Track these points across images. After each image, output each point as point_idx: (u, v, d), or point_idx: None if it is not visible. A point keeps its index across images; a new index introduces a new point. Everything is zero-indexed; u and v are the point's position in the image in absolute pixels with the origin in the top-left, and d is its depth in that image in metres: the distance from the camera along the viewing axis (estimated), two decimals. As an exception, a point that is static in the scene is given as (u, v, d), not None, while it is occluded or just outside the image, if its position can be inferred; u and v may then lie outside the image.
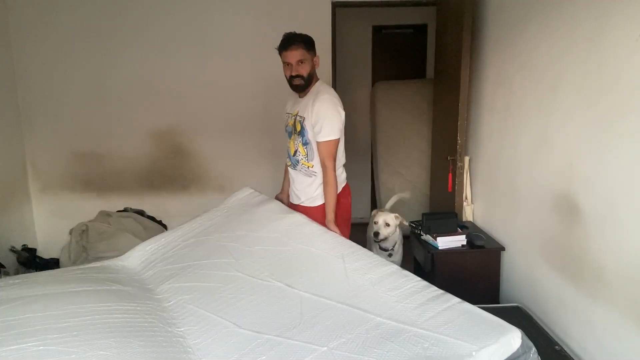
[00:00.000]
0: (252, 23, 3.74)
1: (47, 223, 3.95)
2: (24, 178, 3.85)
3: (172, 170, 3.97)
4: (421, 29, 5.14)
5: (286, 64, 2.41)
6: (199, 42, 3.76)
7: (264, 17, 3.73)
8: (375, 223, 2.82)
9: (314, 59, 2.43)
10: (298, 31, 3.88)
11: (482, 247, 2.73)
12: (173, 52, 3.77)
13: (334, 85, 3.88)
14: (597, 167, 1.90)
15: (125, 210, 3.90)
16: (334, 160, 2.39)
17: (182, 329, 1.69)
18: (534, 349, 1.37)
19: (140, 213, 3.90)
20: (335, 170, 2.41)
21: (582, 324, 2.03)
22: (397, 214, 2.85)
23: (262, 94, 3.86)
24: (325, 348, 1.46)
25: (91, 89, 3.80)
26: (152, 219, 3.92)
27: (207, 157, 3.96)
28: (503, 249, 2.74)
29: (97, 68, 3.76)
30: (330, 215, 2.39)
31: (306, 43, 2.39)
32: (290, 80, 2.42)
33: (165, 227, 3.94)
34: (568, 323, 2.13)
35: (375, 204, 4.89)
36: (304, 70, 2.38)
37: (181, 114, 3.88)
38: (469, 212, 3.25)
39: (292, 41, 2.38)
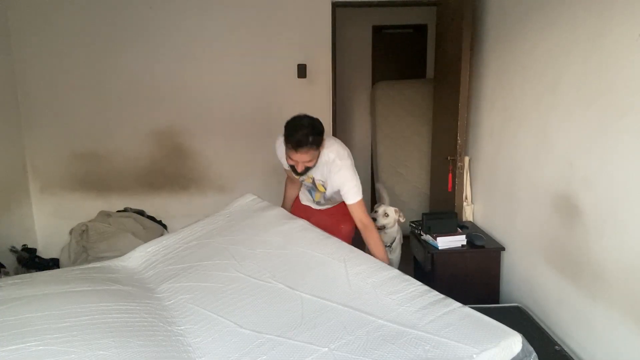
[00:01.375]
0: (253, 23, 3.74)
1: (47, 223, 3.95)
2: (24, 178, 3.85)
3: (172, 170, 3.97)
4: (421, 29, 5.14)
5: (290, 158, 2.23)
6: (199, 42, 3.76)
7: (264, 17, 3.73)
8: (375, 212, 2.84)
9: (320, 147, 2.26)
10: (297, 31, 3.88)
11: (482, 247, 2.73)
12: (173, 52, 3.77)
13: (334, 85, 3.89)
14: (597, 167, 1.90)
15: (125, 210, 3.90)
16: (368, 214, 2.36)
17: (182, 328, 1.69)
18: (534, 354, 1.37)
19: (140, 213, 3.90)
20: (375, 226, 2.41)
21: (582, 324, 2.03)
22: (397, 208, 2.86)
23: (263, 95, 3.86)
24: (326, 349, 1.46)
25: (91, 89, 3.79)
26: (152, 219, 3.92)
27: (207, 157, 3.96)
28: (503, 249, 2.74)
29: (97, 68, 3.76)
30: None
31: (317, 143, 2.19)
32: (293, 169, 2.27)
33: (165, 227, 3.94)
34: (568, 323, 2.13)
35: (375, 204, 4.89)
36: (311, 164, 2.25)
37: (181, 114, 3.87)
38: (469, 212, 3.25)
39: (303, 144, 2.13)
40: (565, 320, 2.16)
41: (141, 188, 3.97)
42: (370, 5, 3.99)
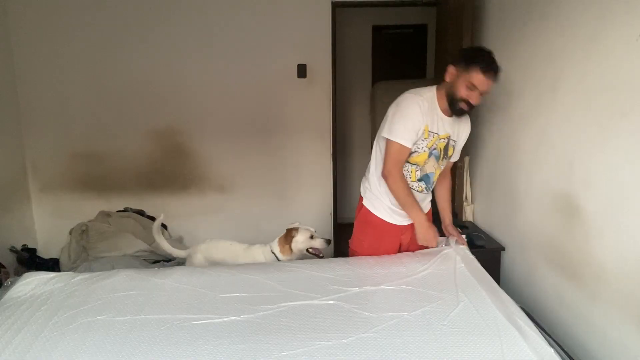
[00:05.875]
0: (252, 23, 3.74)
1: (47, 223, 3.94)
2: (24, 178, 3.84)
3: (172, 170, 3.97)
4: (421, 29, 5.14)
5: (471, 86, 2.00)
6: (199, 42, 3.75)
7: (264, 16, 3.73)
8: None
9: None
10: (297, 31, 3.89)
11: (482, 247, 2.73)
12: (173, 52, 3.76)
13: (334, 85, 3.89)
14: (597, 167, 1.90)
15: (125, 210, 3.90)
16: None
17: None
18: None
19: (140, 213, 3.90)
20: None
21: (582, 324, 2.03)
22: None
23: (263, 94, 3.86)
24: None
25: (91, 89, 3.79)
26: (152, 219, 3.91)
27: (207, 157, 3.96)
28: (503, 249, 2.74)
29: (97, 68, 3.75)
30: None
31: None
32: (459, 101, 2.05)
33: (165, 227, 3.94)
34: (568, 323, 2.13)
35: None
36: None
37: (181, 114, 3.87)
38: (469, 212, 3.25)
39: (498, 71, 2.02)
40: (565, 320, 2.16)
41: (141, 188, 3.97)
42: (370, 5, 3.99)
